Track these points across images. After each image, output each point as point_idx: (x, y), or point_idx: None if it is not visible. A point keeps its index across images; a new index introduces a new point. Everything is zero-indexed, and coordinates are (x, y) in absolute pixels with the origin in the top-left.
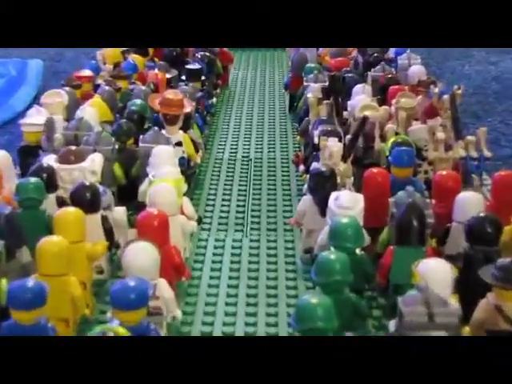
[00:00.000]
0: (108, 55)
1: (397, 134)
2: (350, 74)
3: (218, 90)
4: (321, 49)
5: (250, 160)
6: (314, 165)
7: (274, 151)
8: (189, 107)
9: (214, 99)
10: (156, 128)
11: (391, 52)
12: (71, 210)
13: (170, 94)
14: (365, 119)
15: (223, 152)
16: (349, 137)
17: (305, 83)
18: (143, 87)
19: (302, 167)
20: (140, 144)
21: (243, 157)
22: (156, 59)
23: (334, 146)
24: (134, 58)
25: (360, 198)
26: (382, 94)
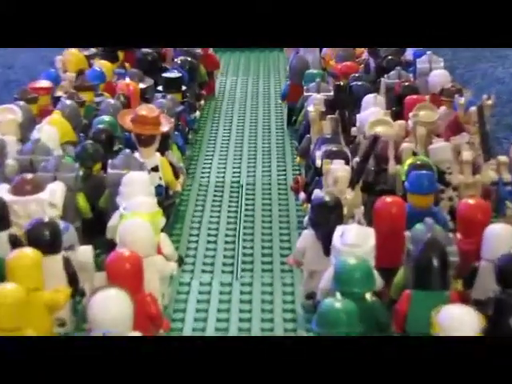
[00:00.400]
0: (69, 61)
1: (415, 154)
2: (359, 82)
3: (202, 102)
4: (324, 51)
5: (241, 186)
6: (317, 192)
7: (269, 175)
8: (167, 125)
9: (198, 113)
10: (128, 150)
11: (409, 54)
12: (27, 251)
13: (145, 109)
14: (376, 137)
15: (209, 177)
16: (357, 159)
17: (305, 93)
18: (112, 100)
19: (302, 195)
20: (109, 170)
21: (233, 182)
22: (127, 65)
23: (339, 169)
24: (101, 64)
25: (370, 233)
26: (397, 105)
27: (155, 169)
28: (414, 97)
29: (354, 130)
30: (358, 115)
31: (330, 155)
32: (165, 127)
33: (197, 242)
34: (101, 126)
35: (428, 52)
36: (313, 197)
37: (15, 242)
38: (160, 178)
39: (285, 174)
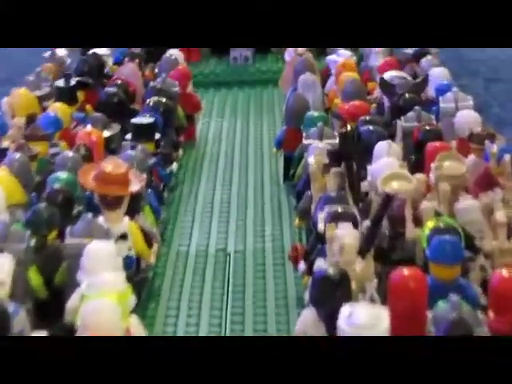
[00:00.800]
0: (18, 104)
1: (438, 214)
2: (370, 126)
3: (180, 152)
4: (328, 87)
5: (229, 255)
6: (319, 263)
7: (262, 241)
8: (137, 183)
9: (174, 166)
10: (90, 215)
11: (430, 90)
12: None
13: (110, 163)
14: (390, 195)
15: (188, 245)
16: (368, 221)
17: (304, 140)
18: (70, 153)
19: (302, 266)
20: (67, 239)
21: (218, 250)
22: (88, 108)
23: (346, 235)
24: (56, 107)
25: (383, 312)
26: (416, 154)
27: (123, 236)
28: (437, 144)
29: (363, 185)
30: (368, 167)
31: (334, 217)
32: (135, 186)
33: (175, 325)
34: (57, 185)
35: (454, 89)
36: (314, 268)
37: None
38: (129, 248)
39: (281, 240)
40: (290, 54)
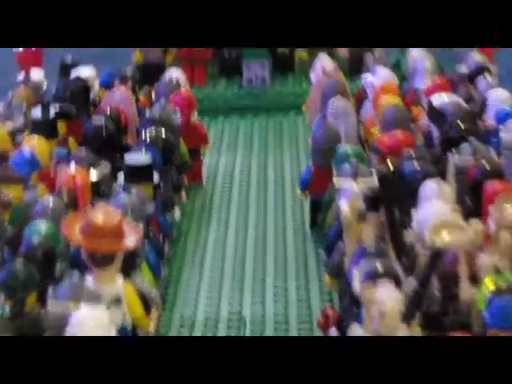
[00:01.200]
0: None
1: (499, 271)
2: (415, 162)
3: (184, 196)
4: (364, 113)
5: (244, 321)
6: (355, 330)
7: (284, 305)
8: (132, 236)
9: (177, 213)
10: (76, 274)
11: (489, 116)
12: None
13: (100, 212)
14: (440, 250)
15: (195, 309)
16: (414, 280)
17: (335, 180)
18: (51, 198)
19: (333, 333)
20: (49, 304)
21: (231, 314)
22: (71, 142)
23: (387, 297)
24: (32, 142)
25: None
26: (472, 196)
27: (117, 301)
28: (498, 183)
29: (408, 236)
30: (414, 213)
31: (373, 275)
32: (130, 240)
33: None
34: (35, 239)
35: None
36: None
37: None
38: (124, 315)
39: (308, 303)
40: (316, 73)
